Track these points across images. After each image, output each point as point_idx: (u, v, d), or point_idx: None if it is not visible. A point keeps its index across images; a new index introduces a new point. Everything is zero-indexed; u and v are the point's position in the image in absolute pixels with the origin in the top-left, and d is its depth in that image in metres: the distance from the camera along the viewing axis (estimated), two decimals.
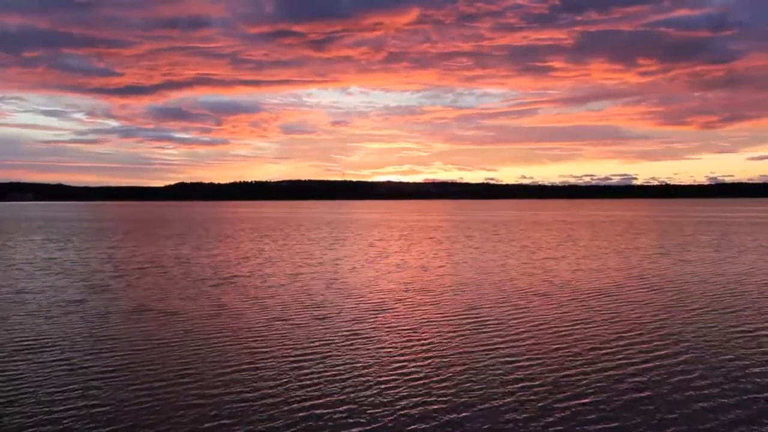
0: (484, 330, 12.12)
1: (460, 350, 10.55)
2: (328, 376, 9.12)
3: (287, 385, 8.65)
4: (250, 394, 8.28)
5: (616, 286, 18.02)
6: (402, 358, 10.11)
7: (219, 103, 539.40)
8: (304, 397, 8.17)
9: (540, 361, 9.81)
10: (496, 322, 12.89)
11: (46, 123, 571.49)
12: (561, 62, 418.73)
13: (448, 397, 8.12)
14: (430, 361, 9.90)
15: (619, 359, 9.93)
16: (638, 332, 11.86)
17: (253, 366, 9.64)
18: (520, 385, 8.62)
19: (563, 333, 11.83)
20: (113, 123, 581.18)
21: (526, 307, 14.53)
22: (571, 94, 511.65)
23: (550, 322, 12.88)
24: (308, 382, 8.79)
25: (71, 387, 8.59)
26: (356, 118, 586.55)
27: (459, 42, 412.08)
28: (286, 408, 7.75)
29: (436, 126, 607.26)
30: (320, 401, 8.00)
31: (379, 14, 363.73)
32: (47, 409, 7.71)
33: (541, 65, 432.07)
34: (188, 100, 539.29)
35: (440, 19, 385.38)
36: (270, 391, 8.42)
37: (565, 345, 10.89)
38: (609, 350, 10.51)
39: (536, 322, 12.80)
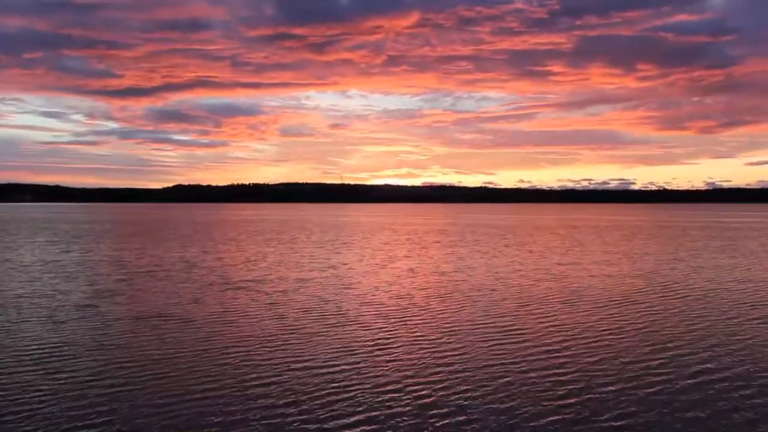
0: (512, 338, 11.74)
1: (490, 359, 10.16)
2: (352, 385, 8.73)
3: (312, 395, 8.25)
4: (272, 400, 7.89)
5: (636, 292, 17.67)
6: (430, 366, 9.72)
7: (218, 106, 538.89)
8: (328, 407, 7.78)
9: (575, 372, 9.43)
10: (522, 330, 12.52)
11: (45, 124, 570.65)
12: (560, 66, 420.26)
13: (482, 408, 7.73)
14: (459, 369, 9.51)
15: (657, 369, 9.56)
16: (672, 342, 11.49)
17: (273, 375, 9.24)
18: (557, 392, 8.23)
19: (594, 342, 11.46)
20: (112, 125, 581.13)
21: (550, 315, 14.16)
22: (569, 98, 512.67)
23: (577, 330, 12.51)
24: (332, 391, 8.40)
25: (84, 395, 8.18)
26: (355, 121, 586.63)
27: (458, 46, 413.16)
28: (312, 419, 7.36)
29: (434, 129, 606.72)
30: (346, 411, 7.62)
31: (379, 18, 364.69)
32: (59, 419, 7.31)
33: (540, 69, 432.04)
34: (187, 102, 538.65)
35: (440, 22, 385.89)
36: (293, 399, 8.03)
37: (598, 356, 10.52)
38: (646, 361, 10.13)
39: (564, 330, 12.43)
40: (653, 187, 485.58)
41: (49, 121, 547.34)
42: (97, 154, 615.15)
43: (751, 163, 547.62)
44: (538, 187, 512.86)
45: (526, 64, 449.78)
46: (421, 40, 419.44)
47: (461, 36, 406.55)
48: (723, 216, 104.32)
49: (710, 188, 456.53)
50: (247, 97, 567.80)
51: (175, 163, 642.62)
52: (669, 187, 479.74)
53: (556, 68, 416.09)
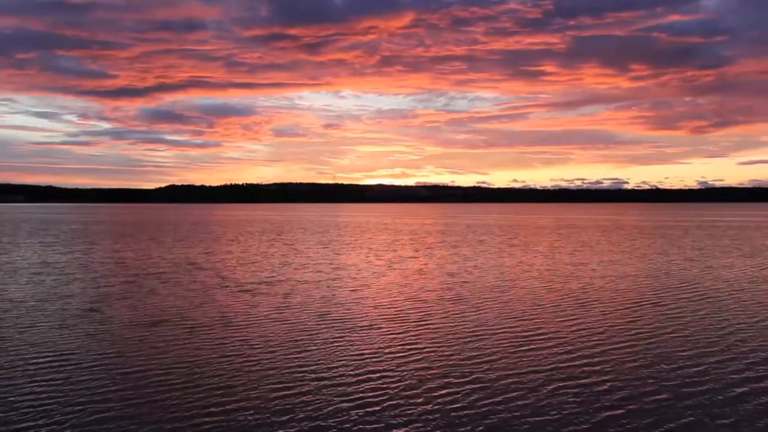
0: (536, 342, 11.39)
1: (515, 364, 9.82)
2: (374, 391, 8.38)
3: (334, 404, 7.89)
4: (289, 406, 7.53)
5: (652, 293, 17.38)
6: (455, 371, 9.36)
7: (211, 106, 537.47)
8: (351, 416, 7.43)
9: (606, 376, 9.10)
10: (545, 333, 12.18)
11: (38, 125, 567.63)
12: (553, 67, 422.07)
13: (511, 415, 7.40)
14: (485, 375, 9.16)
15: (691, 372, 9.25)
16: (702, 344, 11.19)
17: (290, 382, 8.86)
18: (589, 398, 7.91)
19: (620, 345, 11.12)
20: (105, 125, 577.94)
21: (570, 317, 13.84)
22: (563, 98, 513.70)
23: (600, 332, 12.18)
24: (354, 399, 8.04)
25: (92, 402, 7.80)
26: (348, 122, 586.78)
27: (452, 46, 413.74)
28: (335, 428, 7.02)
29: (428, 129, 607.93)
30: (370, 419, 7.26)
31: (373, 18, 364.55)
32: (68, 428, 6.94)
33: (533, 69, 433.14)
34: (181, 103, 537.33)
35: (434, 23, 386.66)
36: (313, 407, 7.68)
37: (626, 359, 10.19)
38: (677, 364, 9.81)
39: (587, 333, 12.11)
40: (646, 187, 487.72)
41: (41, 121, 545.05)
42: (90, 154, 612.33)
43: (743, 163, 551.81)
44: (531, 186, 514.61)
45: (519, 65, 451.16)
46: (415, 41, 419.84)
47: (455, 36, 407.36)
48: (719, 215, 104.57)
49: (703, 187, 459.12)
50: (241, 97, 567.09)
51: (168, 164, 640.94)
52: (662, 187, 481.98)
53: (549, 68, 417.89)
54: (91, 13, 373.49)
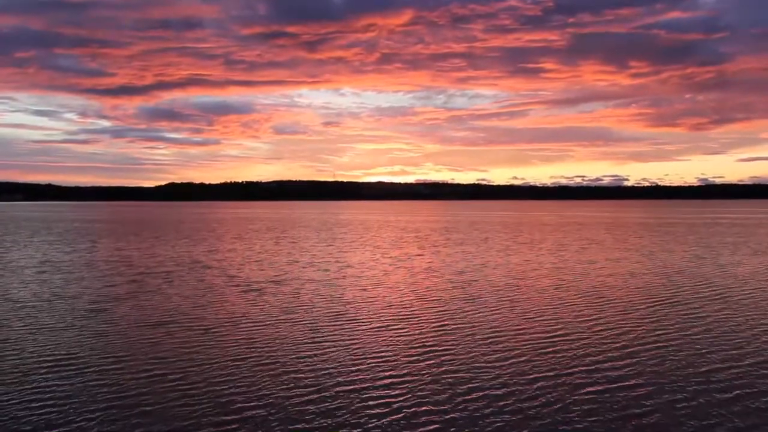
0: (558, 342, 11.13)
1: (540, 366, 9.55)
2: (394, 393, 8.11)
3: (356, 411, 7.63)
4: (301, 408, 7.26)
5: (669, 292, 17.11)
6: (480, 374, 9.09)
7: (211, 104, 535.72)
8: (377, 422, 7.17)
9: (643, 383, 8.83)
10: (567, 332, 11.91)
11: (38, 123, 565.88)
12: (553, 64, 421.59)
13: (543, 420, 7.13)
14: (512, 377, 8.89)
15: (730, 376, 8.99)
16: (738, 349, 10.92)
17: (307, 386, 8.60)
18: (620, 402, 7.65)
19: (650, 347, 10.85)
20: (105, 123, 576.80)
21: (591, 317, 13.57)
22: (562, 95, 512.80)
23: (627, 333, 11.92)
24: (377, 405, 7.77)
25: (99, 405, 7.54)
26: (348, 119, 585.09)
27: (452, 43, 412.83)
28: None
29: (427, 127, 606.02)
30: (389, 420, 7.01)
31: (373, 16, 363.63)
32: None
33: (533, 67, 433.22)
34: (180, 101, 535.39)
35: (433, 20, 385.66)
36: (334, 412, 7.41)
37: (660, 362, 9.92)
38: (713, 368, 9.56)
39: (614, 334, 11.83)
40: (646, 184, 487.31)
41: (41, 119, 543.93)
42: (90, 152, 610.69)
43: (743, 160, 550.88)
44: (531, 184, 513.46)
45: (519, 62, 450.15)
46: (414, 38, 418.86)
47: (454, 34, 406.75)
48: (720, 212, 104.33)
49: (703, 184, 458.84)
50: (240, 95, 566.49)
51: (167, 162, 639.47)
52: (662, 184, 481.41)
53: (548, 65, 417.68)
54: (89, 12, 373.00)
